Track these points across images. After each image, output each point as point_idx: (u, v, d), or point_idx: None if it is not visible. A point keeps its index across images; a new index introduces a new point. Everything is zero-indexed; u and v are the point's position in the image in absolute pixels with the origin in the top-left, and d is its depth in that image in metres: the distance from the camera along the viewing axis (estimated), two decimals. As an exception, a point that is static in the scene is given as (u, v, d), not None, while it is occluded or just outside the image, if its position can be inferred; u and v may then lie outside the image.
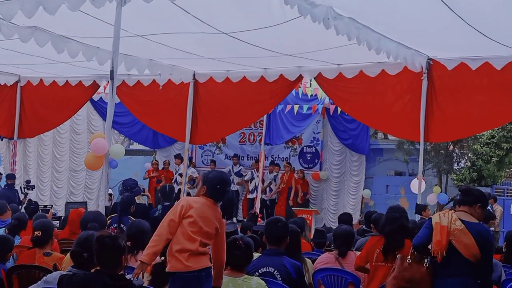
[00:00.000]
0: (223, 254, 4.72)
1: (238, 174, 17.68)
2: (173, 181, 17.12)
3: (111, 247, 3.92)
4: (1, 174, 14.84)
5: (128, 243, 5.60)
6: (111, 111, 7.47)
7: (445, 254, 4.94)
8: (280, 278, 5.10)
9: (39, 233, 5.97)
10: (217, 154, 18.73)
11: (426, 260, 5.17)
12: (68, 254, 5.48)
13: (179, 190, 14.01)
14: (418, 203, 10.74)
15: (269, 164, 17.22)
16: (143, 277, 4.67)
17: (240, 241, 4.83)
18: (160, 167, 17.89)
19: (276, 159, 17.85)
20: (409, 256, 5.24)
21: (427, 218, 6.59)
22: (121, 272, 4.01)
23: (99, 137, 7.63)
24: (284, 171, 16.95)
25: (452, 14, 7.41)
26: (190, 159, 17.55)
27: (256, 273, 5.12)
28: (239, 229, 7.84)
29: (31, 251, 6.02)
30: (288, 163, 17.25)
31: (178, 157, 17.20)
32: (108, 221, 7.62)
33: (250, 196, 17.03)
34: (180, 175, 15.80)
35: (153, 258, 4.51)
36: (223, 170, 17.58)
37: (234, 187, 17.60)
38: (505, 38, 8.62)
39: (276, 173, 16.95)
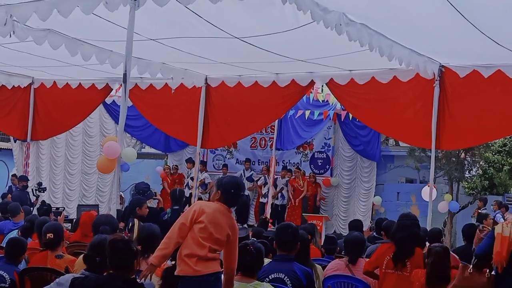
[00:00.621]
0: (234, 261, 4.70)
1: (250, 179, 17.69)
2: (184, 185, 17.16)
3: (124, 251, 3.94)
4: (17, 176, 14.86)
5: (139, 247, 5.62)
6: (123, 114, 7.50)
7: (505, 265, 4.89)
8: (291, 284, 5.09)
9: (51, 236, 5.99)
10: (228, 158, 18.75)
11: (488, 270, 5.13)
12: (81, 257, 5.51)
13: (190, 194, 14.05)
14: (479, 211, 10.59)
15: (281, 169, 17.24)
16: (150, 279, 4.67)
17: (251, 247, 4.82)
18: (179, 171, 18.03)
19: (287, 164, 17.85)
20: (471, 266, 5.19)
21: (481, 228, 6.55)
22: (133, 276, 4.03)
23: (111, 140, 7.66)
24: (294, 176, 16.94)
25: (465, 21, 7.39)
26: (204, 163, 17.63)
27: (267, 279, 5.12)
28: (250, 235, 7.86)
29: (43, 253, 6.05)
30: (298, 168, 17.23)
31: (190, 161, 17.23)
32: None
33: (262, 200, 17.01)
34: (192, 179, 15.84)
35: (162, 261, 4.52)
36: (235, 175, 17.72)
37: (246, 192, 17.56)
38: (518, 46, 8.59)
39: (288, 178, 16.95)
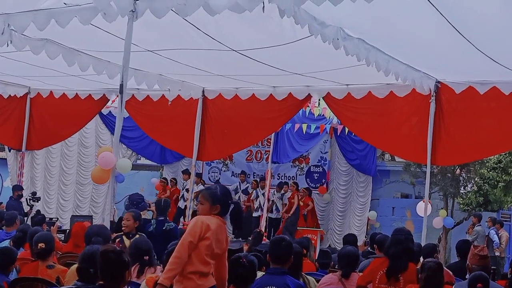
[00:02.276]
0: (226, 271, 4.71)
1: (245, 192, 17.70)
2: (180, 196, 17.12)
3: (115, 262, 3.91)
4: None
5: (146, 258, 5.62)
6: (119, 125, 7.48)
7: None
8: (283, 298, 5.06)
9: (42, 245, 5.96)
10: (224, 171, 18.74)
11: None
12: (72, 267, 5.48)
13: (185, 206, 14.00)
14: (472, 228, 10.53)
15: (277, 184, 17.19)
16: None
17: (244, 259, 4.81)
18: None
19: (283, 177, 17.85)
20: None
21: None
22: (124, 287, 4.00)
23: (106, 151, 7.64)
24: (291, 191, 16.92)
25: (461, 38, 7.42)
26: (199, 175, 17.61)
27: (259, 292, 5.09)
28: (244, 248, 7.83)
29: (34, 263, 6.00)
30: (295, 183, 17.22)
31: (186, 172, 17.19)
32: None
33: (254, 214, 16.97)
34: (188, 190, 15.82)
35: (172, 281, 4.42)
36: (228, 187, 17.70)
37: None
38: (513, 63, 8.63)
39: (284, 192, 16.91)
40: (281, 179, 17.72)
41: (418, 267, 5.88)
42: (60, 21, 6.96)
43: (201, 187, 17.41)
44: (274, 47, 8.57)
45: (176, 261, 4.37)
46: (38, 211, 12.22)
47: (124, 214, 7.91)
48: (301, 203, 16.55)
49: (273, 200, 16.86)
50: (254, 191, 17.14)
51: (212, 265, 4.51)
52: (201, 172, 17.93)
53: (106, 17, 6.65)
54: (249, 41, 8.64)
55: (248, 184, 17.79)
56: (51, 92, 14.25)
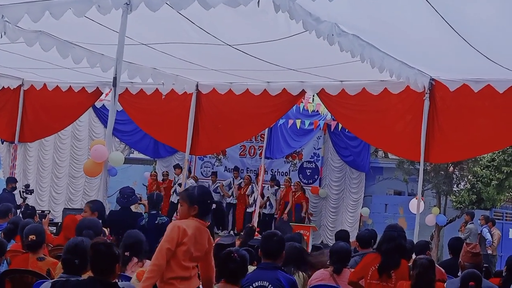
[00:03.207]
0: (212, 270, 4.66)
1: (239, 187, 17.67)
2: (172, 191, 17.11)
3: (105, 255, 3.90)
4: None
5: (126, 253, 5.59)
6: (112, 118, 7.46)
7: None
8: (274, 293, 5.06)
9: (33, 237, 5.92)
10: (217, 166, 18.72)
11: None
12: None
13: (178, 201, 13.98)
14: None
15: (270, 179, 17.22)
16: None
17: (235, 254, 4.79)
18: (159, 178, 17.94)
19: (276, 173, 17.85)
20: None
21: None
22: (114, 280, 3.99)
23: (99, 144, 7.62)
24: (284, 187, 16.94)
25: (456, 36, 7.43)
26: (189, 169, 17.58)
27: (250, 286, 5.08)
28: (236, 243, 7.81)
29: (24, 255, 5.97)
30: (290, 178, 17.22)
31: (178, 167, 17.20)
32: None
33: (249, 210, 16.98)
34: (180, 185, 15.81)
35: None
36: (223, 182, 17.72)
37: (233, 201, 17.60)
38: (508, 61, 8.63)
39: (277, 188, 16.92)
40: (274, 174, 17.71)
41: (410, 264, 5.89)
42: (54, 13, 6.92)
43: (192, 181, 17.45)
44: (268, 42, 8.56)
45: (155, 268, 4.27)
46: (27, 205, 12.15)
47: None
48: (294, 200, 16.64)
49: (268, 197, 16.85)
50: (250, 186, 17.12)
51: (192, 268, 4.44)
52: (190, 166, 17.88)
53: (100, 9, 6.64)
54: (243, 36, 8.62)
55: (241, 180, 17.79)
56: (44, 84, 14.20)
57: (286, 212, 16.47)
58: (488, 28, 7.29)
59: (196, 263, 4.55)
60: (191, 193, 4.56)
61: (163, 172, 18.08)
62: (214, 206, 4.67)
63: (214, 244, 6.04)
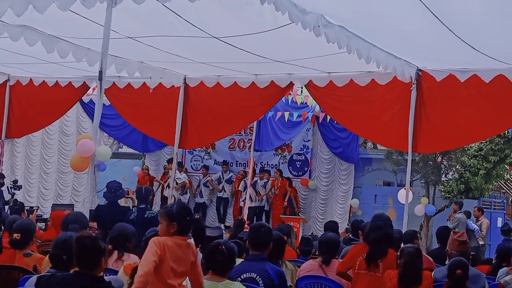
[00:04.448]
0: (201, 278, 4.62)
1: (229, 181, 17.70)
2: (166, 185, 17.07)
3: (91, 248, 3.87)
4: None
5: (109, 247, 5.58)
6: (98, 112, 7.43)
7: None
8: (263, 284, 5.06)
9: (18, 236, 5.85)
10: (207, 159, 18.70)
11: None
12: (47, 256, 5.44)
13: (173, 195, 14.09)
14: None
15: (259, 171, 17.23)
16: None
17: (223, 246, 4.79)
18: (151, 171, 17.96)
19: (266, 166, 17.84)
20: None
21: None
22: (100, 274, 3.97)
23: (85, 138, 7.58)
24: (274, 178, 16.94)
25: (442, 26, 7.44)
26: (180, 163, 17.58)
27: (239, 278, 5.08)
28: (225, 236, 7.82)
29: (10, 251, 5.90)
30: (279, 170, 17.23)
31: (171, 161, 17.17)
32: None
33: (242, 204, 16.98)
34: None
35: None
36: (212, 177, 17.72)
37: (224, 195, 17.61)
38: (493, 51, 8.67)
39: (266, 180, 16.93)
40: (264, 167, 17.72)
41: (398, 253, 5.92)
42: (38, 7, 6.84)
43: (184, 175, 17.45)
44: (255, 34, 8.55)
45: (142, 280, 4.09)
46: (15, 200, 12.10)
47: None
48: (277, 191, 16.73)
49: (258, 192, 16.86)
50: (242, 181, 17.11)
51: (178, 285, 4.38)
52: (181, 160, 17.89)
53: (84, 3, 6.57)
54: (230, 29, 8.61)
55: (231, 174, 17.78)
56: (30, 79, 14.11)
57: (286, 200, 16.56)
58: (474, 18, 7.31)
59: (184, 279, 4.49)
60: (169, 210, 4.49)
61: (165, 165, 17.91)
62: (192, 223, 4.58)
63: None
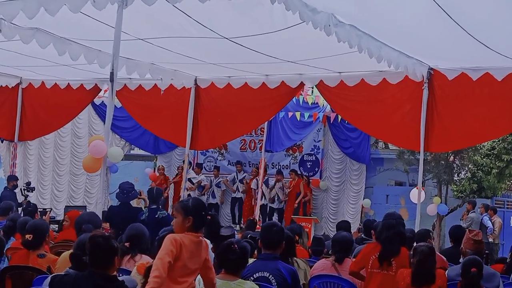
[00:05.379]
0: (213, 274, 4.62)
1: (243, 181, 17.70)
2: (181, 187, 17.10)
3: (104, 248, 3.88)
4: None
5: (127, 244, 5.59)
6: (110, 113, 7.46)
7: None
8: (275, 283, 5.05)
9: (30, 237, 5.87)
10: (220, 160, 18.71)
11: None
12: (63, 255, 5.46)
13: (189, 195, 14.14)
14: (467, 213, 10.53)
15: (276, 173, 17.24)
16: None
17: (235, 245, 4.78)
18: (167, 172, 18.03)
19: (277, 166, 17.84)
20: None
21: None
22: (114, 273, 3.98)
23: (97, 140, 7.61)
24: (291, 179, 16.95)
25: (454, 24, 7.40)
26: (200, 165, 17.74)
27: (251, 277, 5.07)
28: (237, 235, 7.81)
29: (24, 251, 5.94)
30: (293, 170, 17.23)
31: (198, 166, 17.57)
32: None
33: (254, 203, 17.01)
34: (190, 180, 16.04)
35: None
36: (227, 177, 17.75)
37: (238, 195, 17.63)
38: (506, 49, 8.61)
39: (283, 183, 16.98)
40: (275, 168, 17.72)
41: (411, 252, 5.89)
42: (50, 9, 6.88)
43: (203, 177, 17.50)
44: (266, 35, 8.55)
45: (157, 280, 4.10)
46: (28, 202, 12.16)
47: None
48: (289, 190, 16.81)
49: (271, 187, 16.89)
50: (254, 179, 17.13)
51: (189, 280, 4.42)
52: (191, 160, 17.92)
53: (95, 4, 6.60)
54: (240, 29, 8.61)
55: (245, 174, 17.79)
56: (42, 82, 14.20)
57: (296, 202, 16.59)
58: (486, 16, 7.27)
59: (195, 277, 4.50)
60: (185, 204, 4.51)
61: (179, 166, 17.97)
62: (209, 218, 4.61)
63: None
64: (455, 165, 16.31)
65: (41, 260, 5.77)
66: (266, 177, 16.74)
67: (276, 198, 16.99)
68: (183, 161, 17.34)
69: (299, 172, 17.39)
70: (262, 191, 16.13)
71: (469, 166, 16.46)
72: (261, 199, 16.28)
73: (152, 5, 6.45)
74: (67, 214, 7.86)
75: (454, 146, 12.55)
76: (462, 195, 16.32)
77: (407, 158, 15.97)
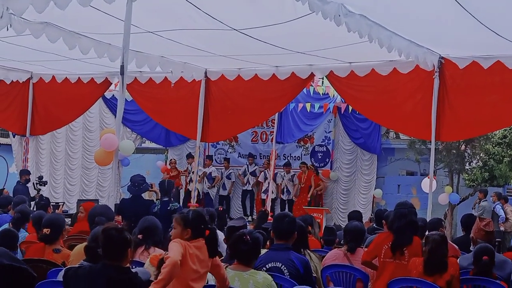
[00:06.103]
0: (222, 270, 4.65)
1: (254, 173, 17.76)
2: (188, 180, 17.16)
3: (117, 240, 3.90)
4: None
5: (140, 236, 5.63)
6: (121, 106, 7.49)
7: None
8: (288, 273, 5.08)
9: (47, 231, 5.88)
10: (230, 152, 18.76)
11: None
12: (76, 248, 5.49)
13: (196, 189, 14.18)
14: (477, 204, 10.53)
15: (283, 165, 17.24)
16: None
17: (247, 236, 4.80)
18: (178, 165, 18.07)
19: (288, 158, 17.86)
20: None
21: None
22: (127, 265, 4.00)
23: (109, 133, 7.64)
24: (301, 171, 16.96)
25: (465, 12, 7.35)
26: (210, 157, 17.76)
27: (264, 268, 5.10)
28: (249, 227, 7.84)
29: (39, 245, 5.96)
30: (303, 163, 17.23)
31: (190, 156, 17.34)
32: None
33: (263, 196, 17.05)
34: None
35: None
36: (239, 171, 17.78)
37: (249, 187, 17.67)
38: (517, 36, 8.55)
39: (293, 174, 16.99)
40: (287, 159, 17.74)
41: (423, 241, 5.89)
42: (59, 3, 6.88)
43: (213, 169, 17.52)
44: (275, 26, 8.52)
45: (168, 269, 4.13)
46: (41, 196, 12.23)
47: None
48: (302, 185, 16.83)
49: (282, 180, 16.94)
50: (263, 172, 17.15)
51: (199, 285, 4.45)
52: (196, 153, 17.94)
53: (105, -3, 6.60)
54: (250, 20, 8.59)
55: (256, 167, 17.82)
56: (53, 76, 14.24)
57: (309, 196, 16.68)
58: (497, 3, 7.22)
59: (204, 282, 4.56)
60: (185, 216, 4.58)
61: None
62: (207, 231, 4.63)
63: (226, 228, 6.08)
64: (466, 154, 16.24)
65: (56, 255, 5.78)
66: (275, 172, 16.75)
67: (285, 190, 17.01)
68: (187, 155, 17.48)
69: (309, 164, 17.40)
70: (271, 184, 16.14)
71: (481, 154, 16.37)
72: (266, 191, 16.34)
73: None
74: (82, 205, 7.91)
75: (465, 135, 12.51)
76: (474, 184, 16.25)
77: (418, 148, 15.93)
